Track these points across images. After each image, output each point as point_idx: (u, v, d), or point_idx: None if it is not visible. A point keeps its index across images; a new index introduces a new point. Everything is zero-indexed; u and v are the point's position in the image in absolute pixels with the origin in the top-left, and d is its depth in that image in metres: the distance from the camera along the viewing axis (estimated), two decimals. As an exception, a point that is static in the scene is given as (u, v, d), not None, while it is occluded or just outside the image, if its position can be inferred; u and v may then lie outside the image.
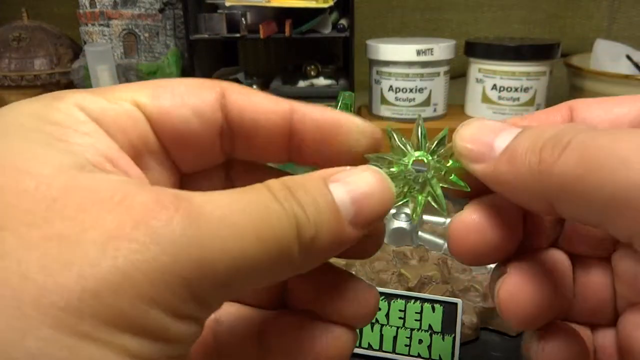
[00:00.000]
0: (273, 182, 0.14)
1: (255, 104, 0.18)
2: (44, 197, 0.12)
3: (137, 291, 0.11)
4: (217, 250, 0.12)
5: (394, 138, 0.19)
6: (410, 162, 0.19)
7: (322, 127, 0.18)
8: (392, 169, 0.18)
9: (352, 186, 0.15)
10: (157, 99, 0.16)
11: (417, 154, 0.19)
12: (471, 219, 0.18)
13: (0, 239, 0.11)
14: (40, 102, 0.15)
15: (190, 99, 0.17)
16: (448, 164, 0.18)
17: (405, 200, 0.18)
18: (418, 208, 0.18)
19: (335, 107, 0.39)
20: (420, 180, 0.18)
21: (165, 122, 0.17)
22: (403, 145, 0.19)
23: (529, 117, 0.19)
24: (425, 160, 0.19)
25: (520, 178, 0.16)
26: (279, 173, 0.20)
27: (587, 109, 0.19)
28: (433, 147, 0.19)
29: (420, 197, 0.18)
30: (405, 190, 0.18)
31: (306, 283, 0.20)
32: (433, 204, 0.18)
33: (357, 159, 0.18)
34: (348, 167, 0.16)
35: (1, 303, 0.10)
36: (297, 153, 0.19)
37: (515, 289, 0.18)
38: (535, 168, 0.15)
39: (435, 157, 0.19)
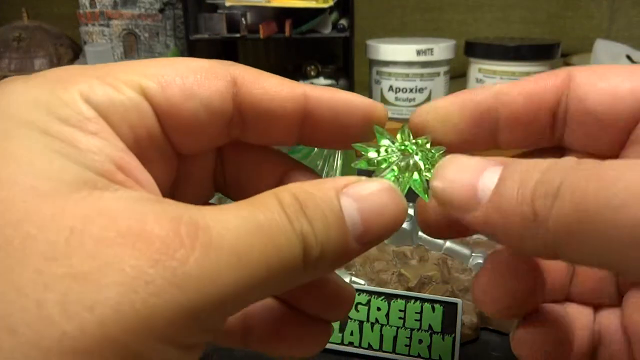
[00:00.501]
0: (284, 195, 0.14)
1: (270, 92, 0.17)
2: (62, 226, 0.12)
3: (155, 333, 0.11)
4: (229, 285, 0.12)
5: (381, 134, 0.19)
6: (397, 147, 0.19)
7: (334, 110, 0.18)
8: (380, 152, 0.19)
9: (364, 203, 0.15)
10: (166, 89, 0.16)
11: (405, 143, 0.19)
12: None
13: (18, 273, 0.11)
14: (44, 89, 0.14)
15: (200, 91, 0.16)
16: (432, 157, 0.19)
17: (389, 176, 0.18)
18: (402, 191, 0.18)
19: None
20: (405, 165, 0.18)
21: (173, 115, 0.16)
22: (389, 139, 0.19)
23: (522, 82, 0.19)
24: (411, 151, 0.19)
25: (515, 229, 0.15)
26: (269, 151, 0.21)
27: (585, 77, 0.18)
28: (418, 141, 0.19)
29: (404, 179, 0.18)
30: (391, 173, 0.18)
31: None
32: (416, 188, 0.18)
33: (365, 135, 0.19)
34: (363, 178, 0.16)
35: (25, 348, 0.10)
36: (307, 136, 0.19)
37: (486, 284, 0.18)
38: (530, 219, 0.14)
39: (420, 149, 0.19)
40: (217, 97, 0.17)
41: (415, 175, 0.18)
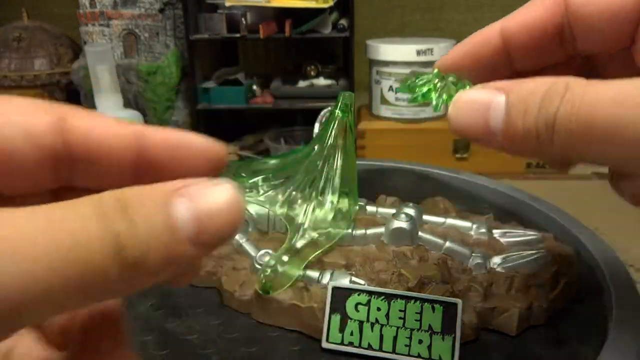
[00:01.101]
0: (105, 195, 0.13)
1: (100, 128, 0.17)
2: None
3: None
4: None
5: (413, 74, 0.22)
6: (432, 76, 0.22)
7: (170, 150, 0.17)
8: (417, 80, 0.22)
9: (198, 202, 0.14)
10: None
11: (439, 74, 0.22)
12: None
13: None
14: None
15: (17, 118, 0.15)
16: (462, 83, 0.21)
17: (429, 95, 0.21)
18: (444, 97, 0.21)
19: (335, 107, 0.39)
20: (443, 84, 0.21)
21: None
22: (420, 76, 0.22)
23: (521, 13, 0.22)
24: (445, 77, 0.22)
25: (529, 151, 0.18)
26: None
27: None
28: (448, 75, 0.22)
29: (441, 93, 0.21)
30: (429, 91, 0.21)
31: (74, 323, 0.18)
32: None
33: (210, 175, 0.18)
34: (202, 180, 0.15)
35: None
36: (143, 177, 0.18)
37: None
38: (538, 147, 0.18)
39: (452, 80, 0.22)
40: (39, 127, 0.16)
41: (452, 92, 0.21)
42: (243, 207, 0.15)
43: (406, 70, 0.68)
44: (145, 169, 0.17)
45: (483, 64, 0.22)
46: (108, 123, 0.17)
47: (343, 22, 0.68)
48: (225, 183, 0.15)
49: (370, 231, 0.38)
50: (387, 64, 0.69)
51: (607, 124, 0.16)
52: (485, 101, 0.19)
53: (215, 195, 0.15)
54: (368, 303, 0.31)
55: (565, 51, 0.22)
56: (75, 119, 0.16)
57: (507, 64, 0.22)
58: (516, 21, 0.22)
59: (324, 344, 0.31)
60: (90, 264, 0.12)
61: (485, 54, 0.22)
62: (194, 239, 0.14)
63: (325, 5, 0.65)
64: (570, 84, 0.17)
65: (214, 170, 0.18)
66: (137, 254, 0.13)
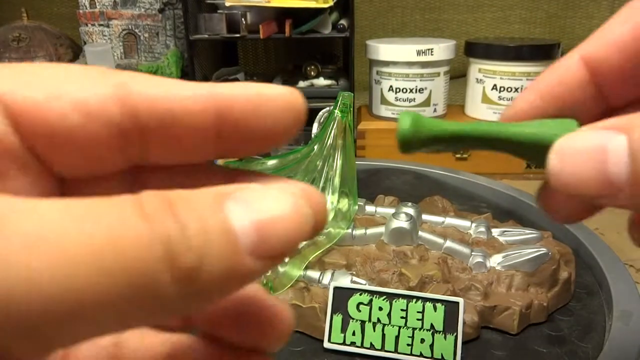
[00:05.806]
0: (148, 194, 0.11)
1: (168, 92, 0.14)
2: None
3: None
4: (22, 286, 0.09)
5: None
6: None
7: (251, 107, 0.15)
8: None
9: (256, 206, 0.12)
10: (24, 87, 0.13)
11: None
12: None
13: None
14: None
15: (70, 89, 0.13)
16: None
17: None
18: None
19: (334, 107, 0.39)
20: None
21: (32, 118, 0.13)
22: None
23: (605, 32, 0.17)
24: None
25: None
26: (198, 169, 0.17)
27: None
28: None
29: None
30: None
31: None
32: None
33: (284, 134, 0.15)
34: (253, 185, 0.13)
35: None
36: (225, 144, 0.15)
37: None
38: None
39: None
40: (95, 99, 0.13)
41: None
42: (309, 216, 0.13)
43: (406, 71, 0.68)
44: (228, 135, 0.15)
45: (565, 107, 0.17)
46: (178, 85, 0.14)
47: (343, 22, 0.68)
48: (282, 187, 0.13)
49: (370, 231, 0.38)
50: (387, 64, 0.69)
51: None
52: (599, 146, 0.14)
53: (275, 200, 0.12)
54: (370, 303, 0.31)
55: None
56: (137, 85, 0.14)
57: (597, 101, 0.18)
58: (602, 43, 0.17)
59: (326, 344, 0.31)
60: (138, 273, 0.10)
61: (566, 94, 0.17)
62: (254, 249, 0.12)
63: (325, 5, 0.66)
64: None
65: (297, 125, 0.15)
66: (191, 262, 0.11)
